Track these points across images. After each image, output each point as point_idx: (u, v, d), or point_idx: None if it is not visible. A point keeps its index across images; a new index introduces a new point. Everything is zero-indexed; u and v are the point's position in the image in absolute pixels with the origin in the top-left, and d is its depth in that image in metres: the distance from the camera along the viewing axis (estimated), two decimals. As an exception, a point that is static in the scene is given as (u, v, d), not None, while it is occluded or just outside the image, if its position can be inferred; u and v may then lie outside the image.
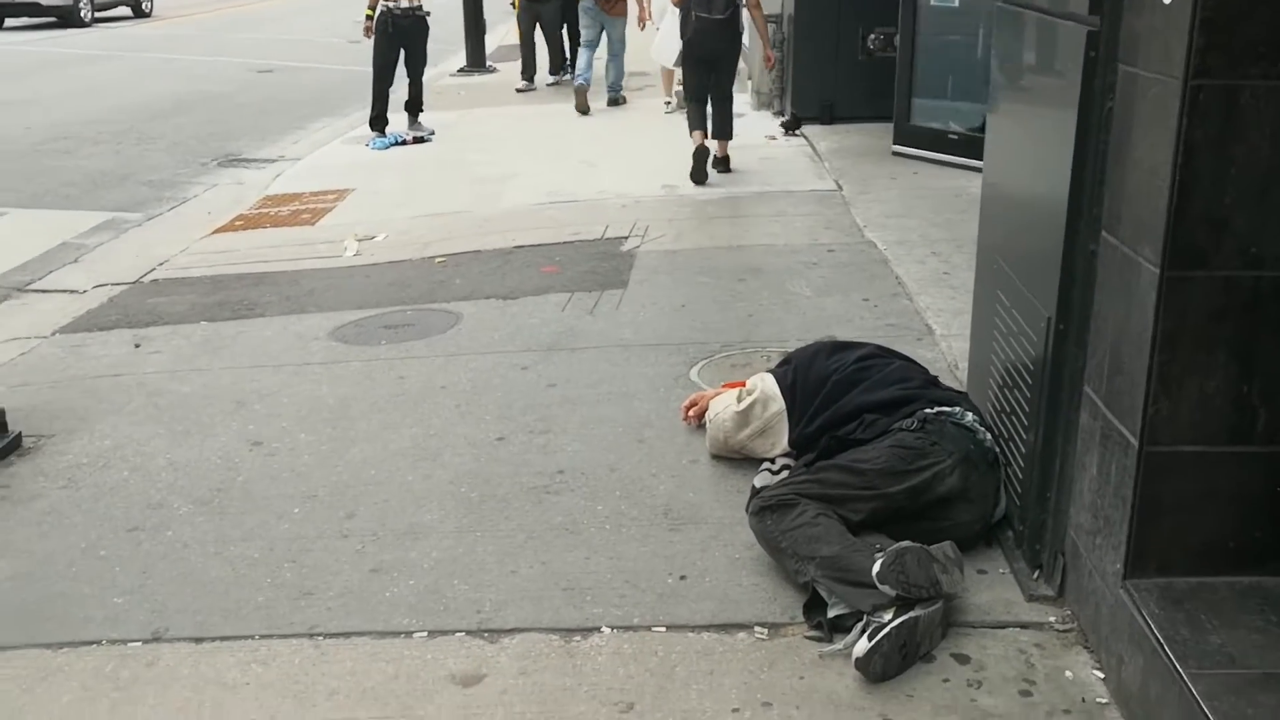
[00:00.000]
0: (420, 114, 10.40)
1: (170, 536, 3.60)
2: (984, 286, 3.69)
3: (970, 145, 7.74)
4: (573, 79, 12.82)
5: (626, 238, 6.64)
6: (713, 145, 8.24)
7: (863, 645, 2.75)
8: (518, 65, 13.03)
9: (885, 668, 2.75)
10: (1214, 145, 2.36)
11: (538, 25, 12.56)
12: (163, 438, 4.30)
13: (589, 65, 11.44)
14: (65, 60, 17.59)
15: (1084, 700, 2.69)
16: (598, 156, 9.12)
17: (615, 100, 11.66)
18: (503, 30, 16.16)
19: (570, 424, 4.22)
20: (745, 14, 8.15)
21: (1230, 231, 2.41)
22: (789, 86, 9.93)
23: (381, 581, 3.29)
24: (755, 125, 9.89)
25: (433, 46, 10.63)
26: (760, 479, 3.49)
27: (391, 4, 9.91)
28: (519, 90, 12.76)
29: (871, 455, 3.24)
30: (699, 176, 7.96)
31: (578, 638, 3.00)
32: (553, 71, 12.89)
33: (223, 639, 3.06)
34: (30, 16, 22.78)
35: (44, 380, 4.98)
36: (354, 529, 3.58)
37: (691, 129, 8.16)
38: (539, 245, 6.62)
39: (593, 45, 11.57)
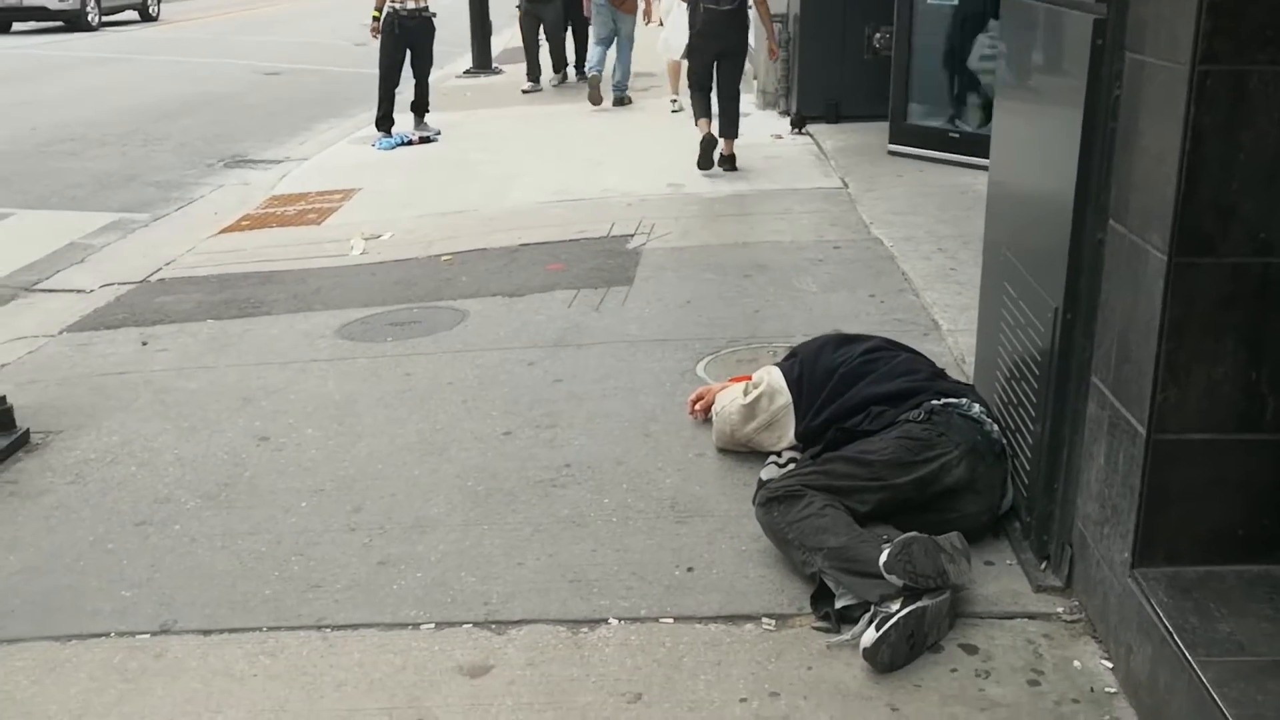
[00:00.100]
0: (426, 114, 10.42)
1: (178, 530, 3.60)
2: (991, 278, 3.69)
3: (968, 143, 7.78)
4: (578, 76, 12.90)
5: (632, 235, 6.64)
6: (720, 143, 8.27)
7: (870, 635, 2.75)
8: (523, 67, 13.04)
9: (893, 658, 2.75)
10: (1221, 131, 2.36)
11: (541, 27, 12.58)
12: (170, 433, 4.31)
13: (602, 60, 11.55)
14: (72, 63, 17.63)
15: (1092, 690, 2.68)
16: (603, 155, 9.13)
17: (621, 100, 11.67)
18: (508, 34, 16.17)
19: (576, 418, 4.22)
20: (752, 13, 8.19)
21: (1238, 218, 2.40)
22: (794, 85, 9.93)
23: (389, 574, 3.29)
24: (761, 124, 9.88)
25: (439, 48, 10.64)
26: (767, 472, 3.49)
27: (398, 5, 9.93)
28: (524, 91, 12.77)
29: (878, 447, 3.24)
30: (705, 163, 8.08)
31: (585, 629, 3.00)
32: (556, 69, 12.88)
33: (230, 631, 3.07)
34: (37, 20, 22.84)
35: (51, 378, 4.99)
36: (361, 522, 3.58)
37: (697, 117, 8.24)
38: (545, 243, 6.63)
39: (606, 42, 11.69)
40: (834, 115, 9.57)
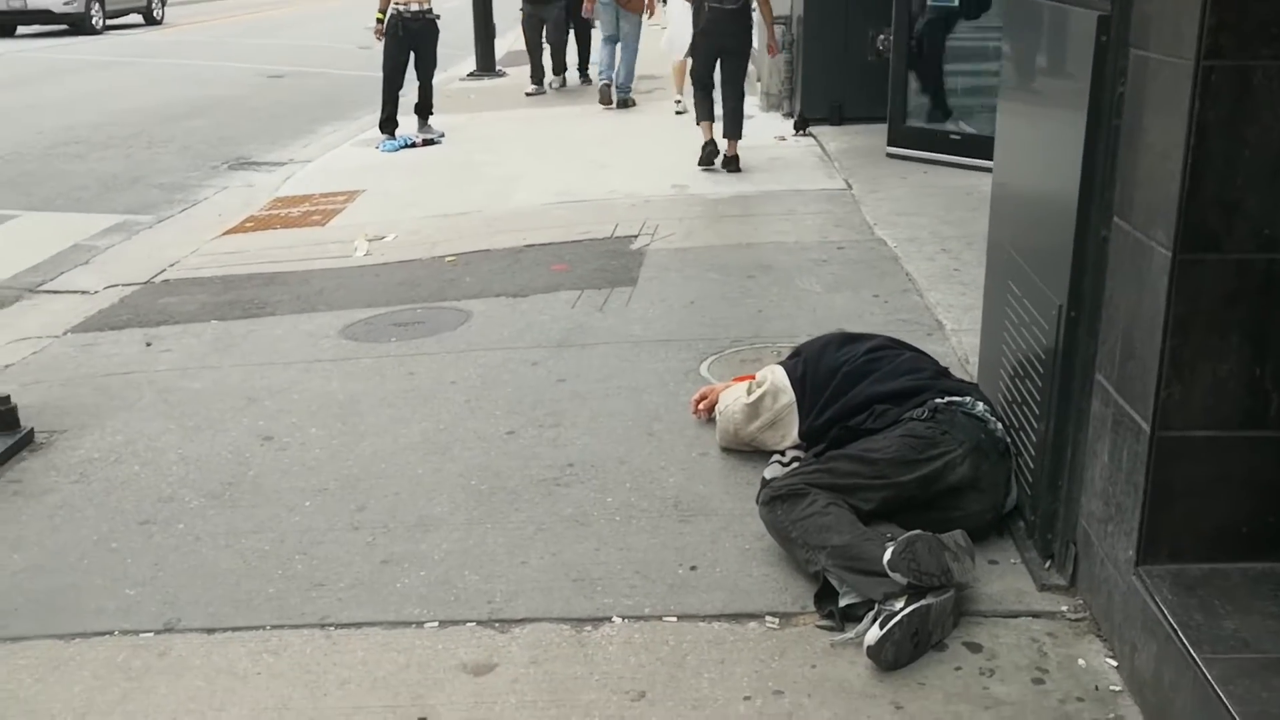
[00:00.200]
0: (430, 117, 10.42)
1: (182, 529, 3.60)
2: (995, 277, 3.68)
3: (968, 145, 7.79)
4: (581, 79, 12.94)
5: (636, 236, 6.65)
6: (723, 145, 8.29)
7: (874, 633, 2.74)
8: (527, 70, 13.04)
9: (897, 656, 2.74)
10: (1226, 127, 2.35)
11: (544, 30, 12.60)
12: (174, 433, 4.31)
13: (611, 62, 11.63)
14: (77, 66, 17.66)
15: (1097, 688, 2.67)
16: (607, 157, 9.13)
17: (625, 101, 11.67)
18: (512, 36, 16.18)
19: (580, 418, 4.22)
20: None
21: (1243, 214, 2.40)
22: (798, 87, 9.93)
23: (392, 573, 3.29)
24: (764, 126, 9.88)
25: (442, 51, 10.65)
26: (770, 471, 3.49)
27: (402, 7, 9.93)
28: (528, 94, 12.77)
29: (882, 445, 3.24)
30: (708, 162, 8.23)
31: (589, 627, 2.99)
32: (555, 72, 12.86)
33: (234, 629, 3.07)
34: (42, 24, 22.90)
35: (56, 378, 5.00)
36: (365, 521, 3.58)
37: (699, 119, 8.33)
38: (549, 244, 6.63)
39: (613, 40, 11.74)
40: (837, 117, 9.56)
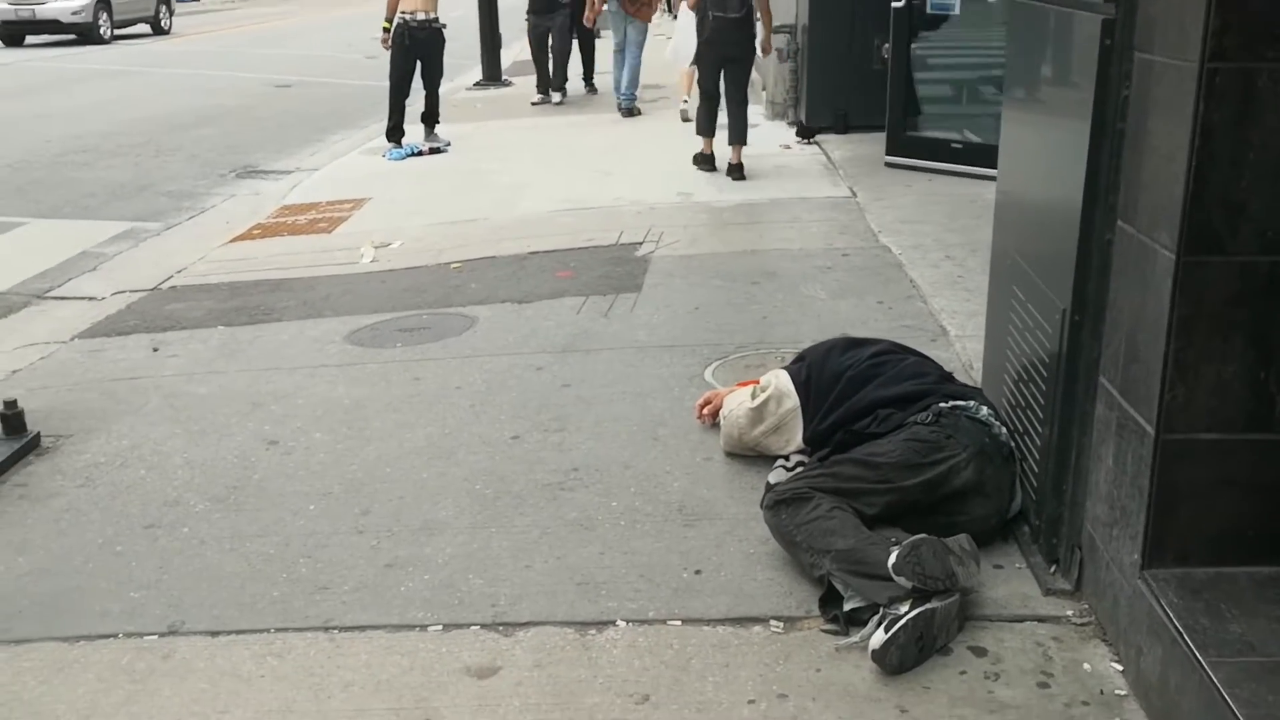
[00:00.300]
0: (436, 125, 10.44)
1: (186, 533, 3.61)
2: (999, 282, 3.68)
3: (967, 153, 7.81)
4: (587, 88, 13.01)
5: (641, 243, 6.65)
6: (728, 152, 8.36)
7: (879, 637, 2.74)
8: (533, 79, 13.07)
9: (902, 659, 2.74)
10: (1231, 129, 2.35)
11: (549, 40, 12.63)
12: (179, 438, 4.32)
13: (624, 67, 11.75)
14: (85, 76, 17.74)
15: (1102, 692, 2.67)
16: (613, 165, 9.15)
17: (630, 110, 11.71)
18: (518, 46, 16.23)
19: (585, 423, 4.22)
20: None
21: (1247, 216, 2.40)
22: (803, 96, 9.94)
23: (396, 576, 3.29)
24: (770, 135, 9.89)
25: (449, 61, 10.69)
26: (775, 475, 3.49)
27: (408, 16, 9.96)
28: (534, 103, 12.79)
29: (886, 449, 3.24)
30: (707, 166, 8.51)
31: (593, 631, 2.99)
32: (556, 88, 12.76)
33: (238, 632, 3.07)
34: (51, 34, 22.98)
35: (62, 383, 5.01)
36: (369, 525, 3.59)
37: (700, 131, 8.51)
38: (554, 251, 6.64)
39: (622, 46, 11.86)
40: (842, 125, 9.58)
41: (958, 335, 4.86)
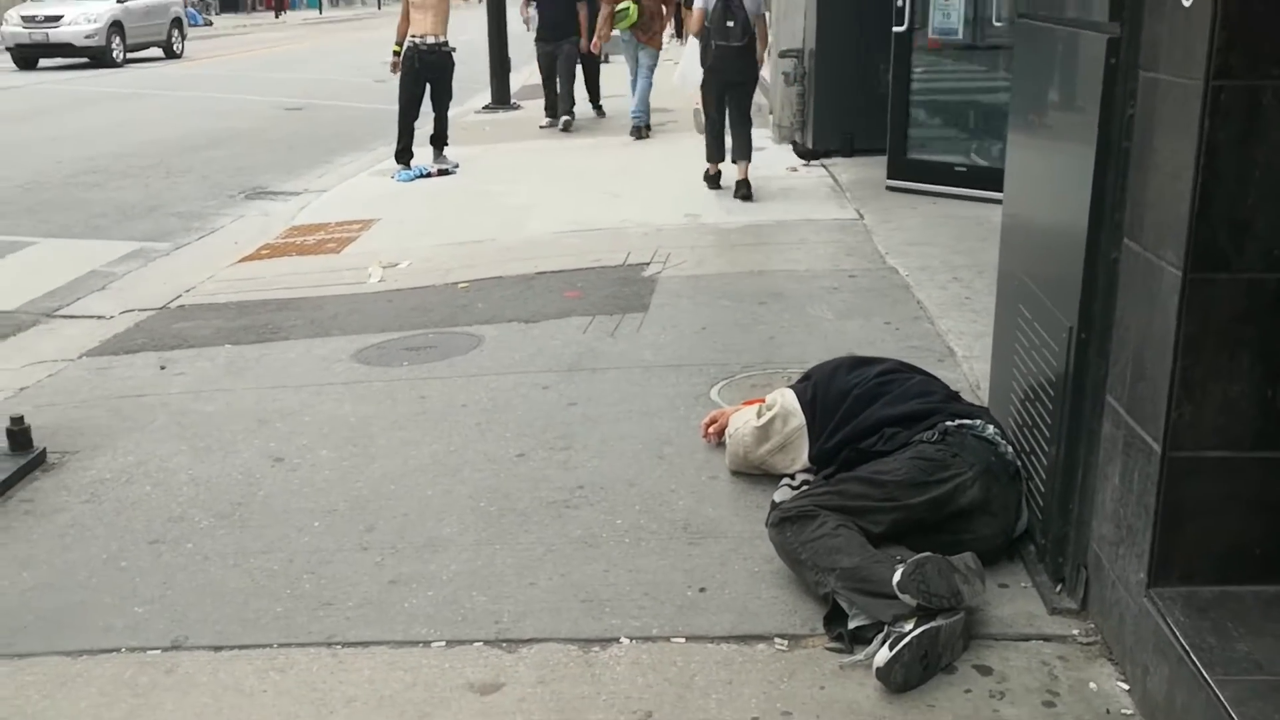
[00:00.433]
0: (445, 147, 10.49)
1: (191, 549, 3.61)
2: (1005, 301, 3.68)
3: (969, 177, 7.83)
4: (596, 112, 13.08)
5: (648, 264, 6.66)
6: (733, 171, 8.51)
7: (884, 655, 2.73)
8: (542, 103, 13.12)
9: (906, 677, 2.72)
10: (1236, 146, 2.36)
11: (557, 65, 12.71)
12: (185, 454, 4.32)
13: (636, 90, 11.92)
14: (97, 98, 17.86)
15: (1108, 711, 2.65)
16: (621, 187, 9.17)
17: (639, 128, 11.80)
18: (527, 71, 16.29)
19: (590, 441, 4.22)
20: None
21: (1253, 234, 2.40)
22: (810, 119, 9.97)
23: (400, 593, 3.28)
24: (776, 158, 9.92)
25: (459, 85, 10.74)
26: (780, 494, 3.48)
27: (418, 39, 10.02)
28: (542, 127, 12.85)
29: (892, 467, 3.23)
30: (714, 185, 8.72)
31: (596, 648, 2.98)
32: (564, 112, 12.73)
33: (241, 647, 3.06)
34: (64, 57, 23.17)
35: (70, 400, 5.02)
36: (373, 542, 3.58)
37: (708, 158, 8.72)
38: (561, 271, 6.65)
39: (635, 72, 12.06)
40: (849, 148, 9.60)
41: (965, 356, 4.86)
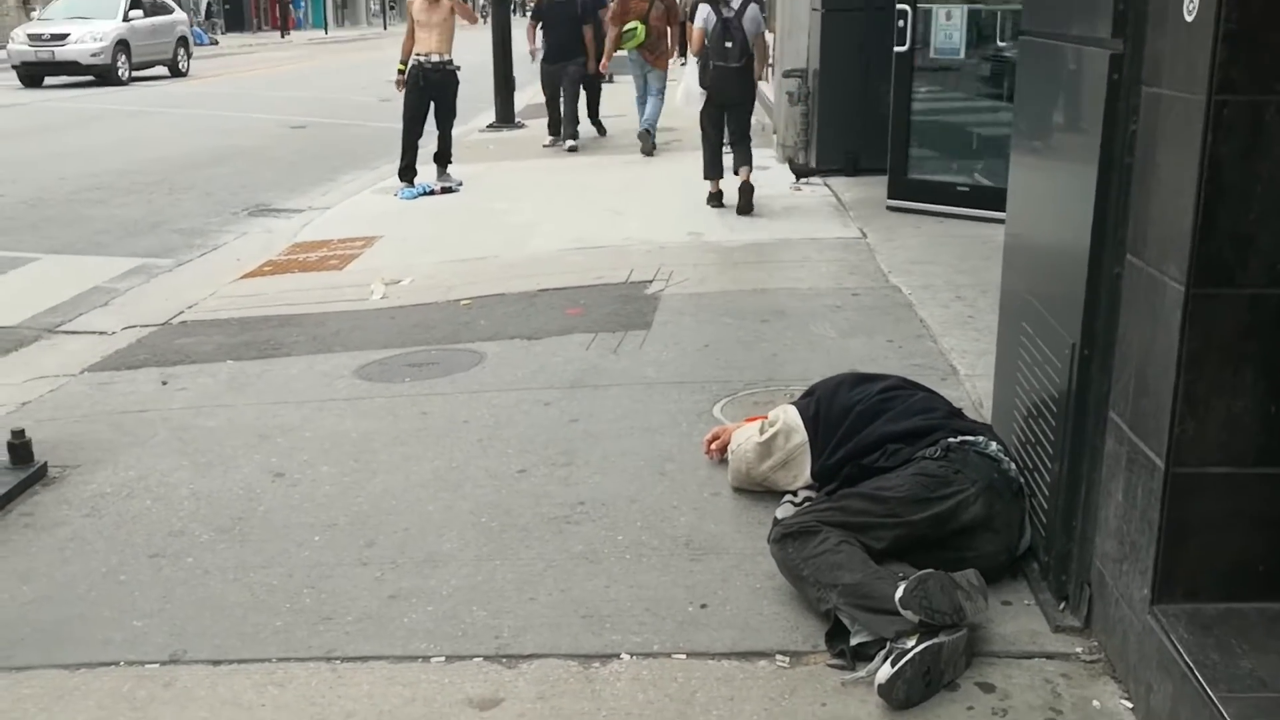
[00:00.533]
0: (449, 165, 10.52)
1: (191, 563, 3.60)
2: (1008, 318, 3.68)
3: (970, 197, 7.84)
4: (598, 130, 13.13)
5: (651, 281, 6.67)
6: (733, 185, 8.60)
7: (885, 671, 2.71)
8: (546, 122, 13.16)
9: (909, 694, 2.70)
10: (1239, 161, 2.36)
11: (561, 85, 12.77)
12: (186, 469, 4.31)
13: (645, 109, 12.10)
14: (102, 115, 17.92)
15: (1112, 729, 2.63)
16: (624, 205, 9.19)
17: (648, 132, 11.94)
18: (531, 90, 16.35)
19: (592, 457, 4.21)
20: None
21: (1256, 248, 2.40)
22: (814, 138, 10.00)
23: (400, 607, 3.27)
24: (780, 177, 9.94)
25: (463, 105, 10.77)
26: (782, 510, 3.46)
27: (423, 57, 10.07)
28: (546, 146, 12.88)
29: (894, 483, 3.22)
30: (716, 203, 8.78)
31: (597, 664, 2.96)
32: (567, 135, 12.69)
33: (240, 662, 3.05)
34: (69, 75, 23.25)
35: (71, 415, 5.01)
36: (373, 557, 3.57)
37: (707, 175, 8.82)
38: (564, 288, 6.65)
39: (643, 93, 12.24)
40: (853, 168, 9.63)
41: (968, 374, 4.85)
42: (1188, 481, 2.52)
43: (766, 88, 13.28)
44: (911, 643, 2.75)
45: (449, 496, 3.96)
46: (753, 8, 8.41)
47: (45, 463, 4.31)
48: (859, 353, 5.25)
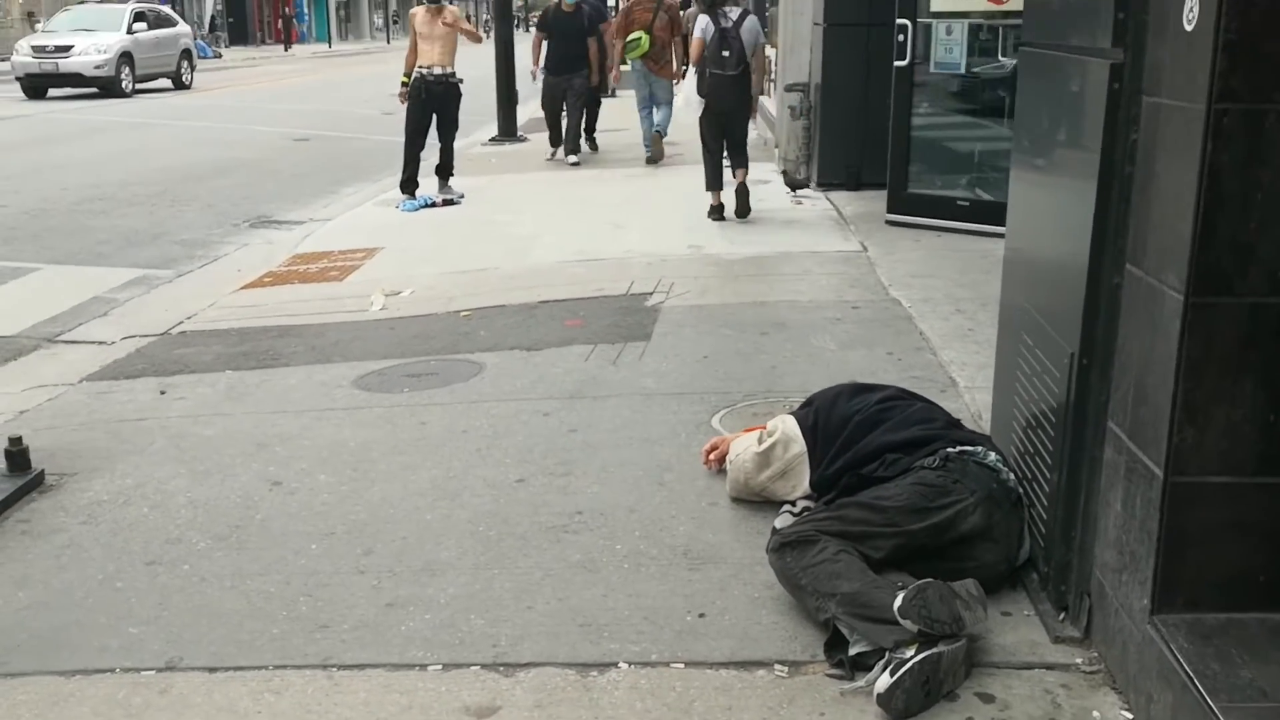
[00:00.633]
0: (450, 178, 10.52)
1: (187, 570, 3.58)
2: (1007, 329, 3.68)
3: (970, 211, 7.84)
4: (590, 144, 13.15)
5: (651, 293, 6.67)
6: (731, 198, 8.68)
7: (884, 681, 2.70)
8: (547, 135, 13.17)
9: (908, 704, 2.69)
10: (1238, 170, 2.36)
11: (565, 99, 12.80)
12: (183, 477, 4.30)
13: (652, 119, 12.25)
14: (105, 127, 17.97)
15: (1112, 740, 2.62)
16: (624, 218, 9.20)
17: (660, 134, 12.05)
18: (533, 104, 16.39)
19: (590, 467, 4.20)
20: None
21: (1256, 257, 2.40)
22: (815, 152, 10.01)
23: (397, 616, 3.26)
24: (781, 190, 9.95)
25: (466, 118, 10.80)
26: (781, 520, 3.46)
27: (425, 70, 10.10)
28: (548, 159, 12.89)
29: (893, 492, 3.21)
30: (717, 216, 8.83)
31: (594, 673, 2.95)
32: (570, 151, 12.63)
33: (236, 669, 3.04)
34: (73, 87, 23.32)
35: (69, 423, 5.01)
36: (371, 565, 3.56)
37: (708, 186, 8.85)
38: (564, 300, 6.66)
39: (645, 103, 12.30)
40: (855, 182, 9.63)
41: (967, 386, 4.84)
42: (1187, 491, 2.51)
43: (768, 102, 13.34)
44: (910, 652, 2.74)
45: (447, 505, 3.95)
46: (751, 19, 8.49)
47: (43, 470, 4.30)
48: (859, 365, 5.24)
